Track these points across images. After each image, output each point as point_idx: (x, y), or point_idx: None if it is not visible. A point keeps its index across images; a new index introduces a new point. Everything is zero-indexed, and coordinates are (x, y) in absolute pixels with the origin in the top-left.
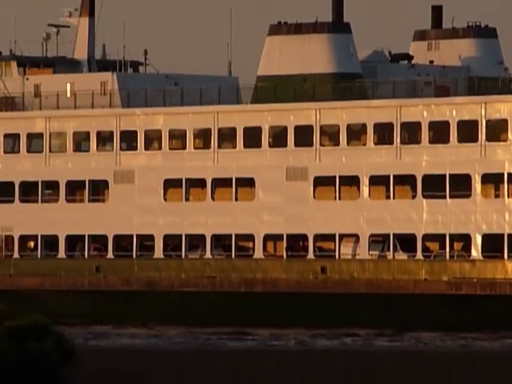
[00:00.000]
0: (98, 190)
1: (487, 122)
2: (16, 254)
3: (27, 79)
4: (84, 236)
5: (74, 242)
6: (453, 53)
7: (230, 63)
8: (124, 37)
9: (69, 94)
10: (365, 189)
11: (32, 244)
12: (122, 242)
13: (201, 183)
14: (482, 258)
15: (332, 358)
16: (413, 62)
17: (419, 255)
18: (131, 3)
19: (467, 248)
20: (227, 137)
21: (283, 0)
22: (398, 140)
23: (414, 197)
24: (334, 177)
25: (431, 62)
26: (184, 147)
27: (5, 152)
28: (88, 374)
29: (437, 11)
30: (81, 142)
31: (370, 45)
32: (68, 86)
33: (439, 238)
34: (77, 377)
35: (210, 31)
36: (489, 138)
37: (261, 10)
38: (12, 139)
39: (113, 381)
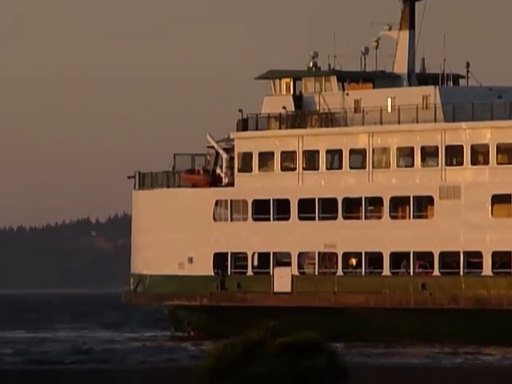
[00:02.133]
0: (423, 206)
1: None
2: (340, 272)
3: (347, 94)
4: (409, 253)
5: (398, 259)
6: None
7: None
8: (444, 49)
9: (390, 109)
10: None
11: (354, 261)
12: (448, 259)
13: None
14: None
15: None
16: None
17: None
18: (452, 15)
19: None
20: None
21: None
22: None
23: None
24: None
25: None
26: None
27: (327, 168)
28: None
29: None
30: (404, 157)
31: None
32: (389, 100)
33: None
34: None
35: None
36: None
37: None
38: (336, 155)
39: None
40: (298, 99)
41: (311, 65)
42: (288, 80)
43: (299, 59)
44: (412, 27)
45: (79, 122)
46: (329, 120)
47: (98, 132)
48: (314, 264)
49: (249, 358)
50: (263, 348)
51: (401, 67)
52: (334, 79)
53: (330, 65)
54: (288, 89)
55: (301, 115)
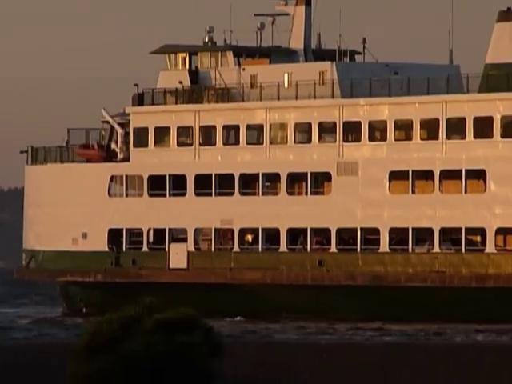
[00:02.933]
0: (320, 182)
1: None
2: (236, 248)
3: (243, 70)
4: (306, 229)
5: (295, 235)
6: None
7: (452, 51)
8: (340, 25)
9: (286, 85)
10: None
11: (250, 237)
12: (345, 235)
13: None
14: None
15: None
16: None
17: None
18: None
19: None
20: (456, 127)
21: None
22: None
23: None
24: None
25: None
26: (410, 138)
27: (224, 144)
28: (235, 367)
29: None
30: (302, 133)
31: None
32: (286, 76)
33: None
34: (224, 369)
35: (430, 18)
36: None
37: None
38: (232, 131)
39: (259, 373)
40: (193, 74)
41: (207, 40)
42: (184, 55)
43: (195, 34)
44: (308, 3)
45: None
46: (225, 95)
47: None
48: (209, 240)
49: (125, 334)
50: (140, 324)
51: (297, 43)
52: (230, 54)
53: (225, 40)
54: (184, 63)
55: (197, 90)
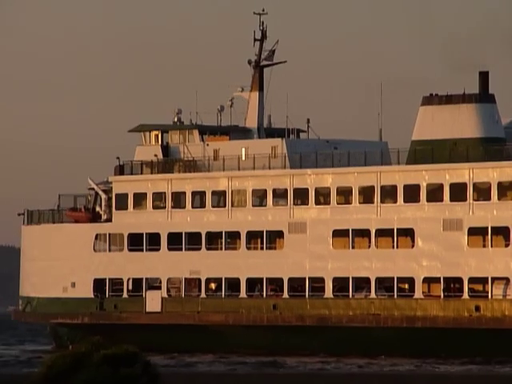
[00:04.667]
0: (274, 239)
1: None
2: (203, 294)
3: (207, 145)
4: (262, 279)
5: (253, 283)
6: None
7: (381, 130)
8: (287, 108)
9: (244, 158)
10: None
11: (213, 285)
12: (295, 283)
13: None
14: None
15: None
16: None
17: None
18: (294, 79)
19: None
20: (389, 193)
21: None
22: None
23: None
24: (487, 227)
25: None
26: (350, 202)
27: (193, 207)
28: None
29: None
30: (258, 197)
31: (510, 113)
32: (243, 150)
33: None
34: None
35: (362, 101)
36: None
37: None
38: (199, 196)
39: None
40: (165, 149)
41: (176, 120)
42: (157, 132)
43: (166, 114)
44: (261, 89)
45: None
46: (192, 166)
47: None
48: (177, 288)
49: (77, 367)
50: (89, 359)
51: (252, 122)
52: (196, 132)
53: (191, 120)
54: (157, 140)
55: (169, 162)
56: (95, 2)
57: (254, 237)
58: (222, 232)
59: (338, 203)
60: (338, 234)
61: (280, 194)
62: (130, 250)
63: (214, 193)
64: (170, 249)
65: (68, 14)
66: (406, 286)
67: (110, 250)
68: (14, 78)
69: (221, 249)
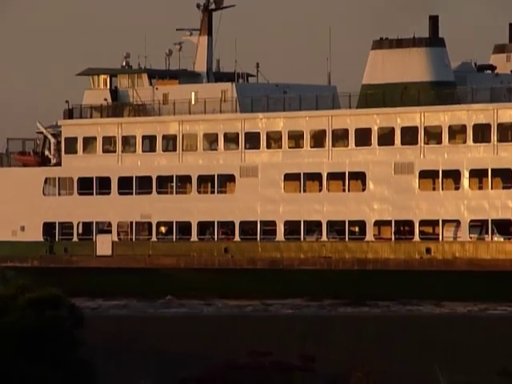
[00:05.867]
0: (225, 183)
1: None
2: (154, 238)
3: (156, 89)
4: (213, 222)
5: (204, 227)
6: None
7: (329, 74)
8: (236, 52)
9: (194, 102)
10: (465, 181)
11: (163, 229)
12: (247, 227)
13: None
14: None
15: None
16: (496, 71)
17: None
18: (244, 22)
19: None
20: (340, 137)
21: (381, 19)
22: (495, 138)
23: (510, 187)
24: (438, 171)
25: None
26: (301, 146)
27: (143, 151)
28: (94, 337)
29: None
30: (210, 142)
31: (459, 57)
32: (193, 94)
33: None
34: (86, 338)
35: (311, 45)
36: None
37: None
38: (149, 140)
39: (114, 342)
40: (114, 93)
41: (124, 64)
42: (105, 76)
43: (114, 58)
44: (210, 33)
45: None
46: (142, 110)
47: None
48: (125, 232)
49: (3, 310)
50: (15, 302)
51: (201, 67)
52: (145, 76)
53: (139, 64)
54: (105, 84)
55: (119, 106)
56: None
57: (204, 181)
58: (172, 176)
59: (289, 147)
60: (290, 177)
61: (231, 139)
62: (79, 193)
63: (164, 137)
64: (120, 193)
65: None
66: (357, 229)
67: (59, 194)
68: None
69: (171, 193)
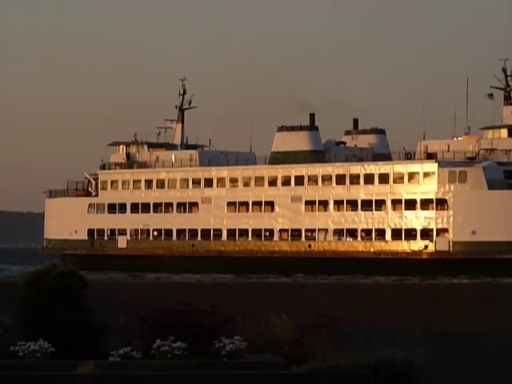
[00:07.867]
0: (192, 207)
1: None
2: (151, 238)
3: (152, 153)
4: (185, 229)
5: None
6: (364, 143)
7: (251, 145)
8: (197, 132)
9: (174, 161)
10: (331, 206)
11: (156, 233)
12: None
13: None
14: None
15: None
16: (346, 145)
17: None
18: (203, 117)
19: None
20: (259, 181)
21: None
22: (348, 182)
23: (355, 210)
24: (315, 200)
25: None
26: (237, 186)
27: (145, 188)
28: (92, 294)
29: (354, 123)
30: (184, 183)
31: (326, 137)
32: (173, 156)
33: None
34: (88, 294)
35: (241, 128)
36: None
37: None
38: (148, 182)
39: (104, 297)
40: (128, 155)
41: (134, 139)
42: (123, 146)
43: (128, 136)
44: (182, 122)
45: None
46: (143, 165)
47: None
48: (134, 234)
49: (41, 278)
50: (49, 273)
51: (177, 140)
52: (145, 146)
53: (142, 139)
54: (123, 150)
55: (130, 163)
56: None
57: (180, 206)
58: (162, 203)
59: (230, 187)
60: (230, 204)
61: (196, 181)
62: (108, 212)
63: (157, 180)
64: (131, 212)
65: None
66: (268, 233)
67: (97, 213)
68: None
69: (161, 211)
